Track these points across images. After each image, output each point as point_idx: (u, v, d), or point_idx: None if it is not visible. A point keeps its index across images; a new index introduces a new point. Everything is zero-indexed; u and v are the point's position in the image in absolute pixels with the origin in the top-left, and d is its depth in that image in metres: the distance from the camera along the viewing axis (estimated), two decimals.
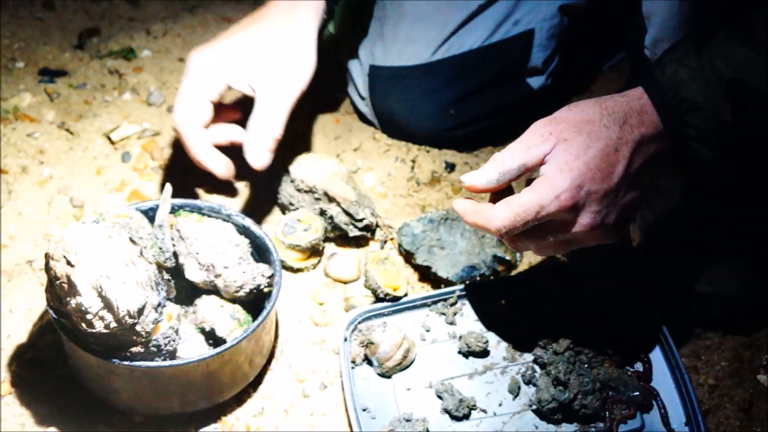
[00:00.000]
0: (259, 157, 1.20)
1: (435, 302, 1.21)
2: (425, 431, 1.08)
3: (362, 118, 1.47)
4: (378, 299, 1.21)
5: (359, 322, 1.17)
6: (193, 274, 1.10)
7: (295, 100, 1.23)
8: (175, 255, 1.11)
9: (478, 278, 1.22)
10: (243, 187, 1.36)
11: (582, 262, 1.22)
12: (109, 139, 1.40)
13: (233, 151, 1.23)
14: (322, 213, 1.28)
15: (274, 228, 1.26)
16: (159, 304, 0.99)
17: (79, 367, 1.07)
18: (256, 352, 1.10)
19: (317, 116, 1.47)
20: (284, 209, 1.32)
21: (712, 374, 1.19)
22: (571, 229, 0.99)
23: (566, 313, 1.17)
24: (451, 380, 1.14)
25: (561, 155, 0.97)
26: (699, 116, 0.96)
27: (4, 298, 1.20)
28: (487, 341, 1.16)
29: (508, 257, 1.24)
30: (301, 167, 1.30)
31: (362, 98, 1.45)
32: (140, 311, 0.96)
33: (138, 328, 0.97)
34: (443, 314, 1.20)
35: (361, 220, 1.28)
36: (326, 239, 1.28)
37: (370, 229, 1.30)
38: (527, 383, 1.14)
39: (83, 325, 0.96)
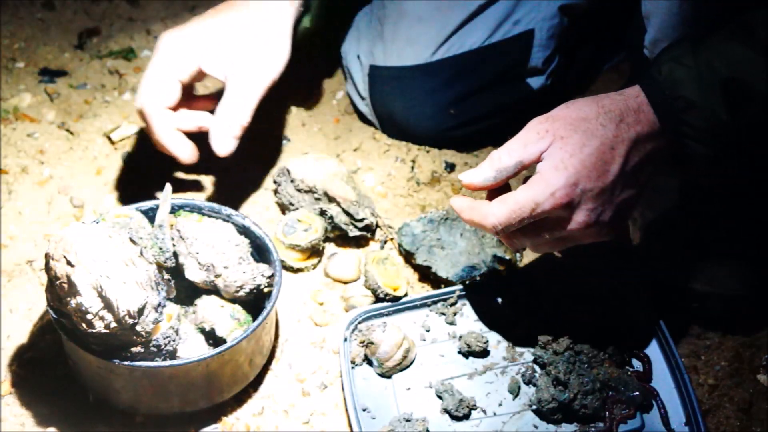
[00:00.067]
0: (225, 144, 1.17)
1: (435, 302, 1.21)
2: (425, 431, 1.08)
3: (362, 118, 1.47)
4: (378, 299, 1.21)
5: (359, 322, 1.17)
6: (193, 274, 1.10)
7: (267, 88, 1.21)
8: (175, 255, 1.11)
9: (478, 278, 1.22)
10: (243, 187, 1.36)
11: (582, 262, 1.22)
12: (110, 139, 1.40)
13: (199, 138, 1.21)
14: (322, 213, 1.28)
15: (274, 228, 1.26)
16: (159, 304, 0.99)
17: (79, 367, 1.07)
18: (256, 352, 1.10)
19: (317, 116, 1.48)
20: (284, 209, 1.32)
21: (712, 374, 1.19)
22: (567, 227, 0.99)
23: (566, 313, 1.17)
24: (451, 380, 1.14)
25: (557, 153, 0.97)
26: (695, 115, 0.97)
27: (4, 298, 1.20)
28: (487, 341, 1.16)
29: (508, 257, 1.24)
30: (301, 167, 1.30)
31: (362, 98, 1.45)
32: (140, 311, 0.96)
33: (138, 328, 0.97)
34: (443, 314, 1.20)
35: (361, 220, 1.28)
36: (326, 239, 1.28)
37: (370, 229, 1.30)
38: (527, 383, 1.14)
39: (83, 325, 0.96)
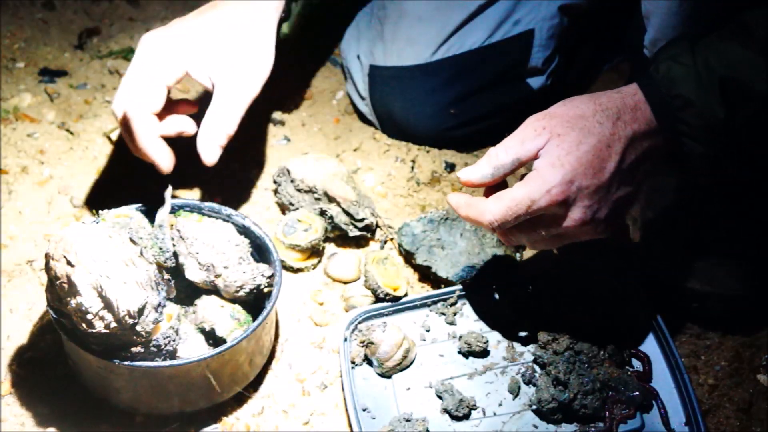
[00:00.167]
0: (212, 153, 1.15)
1: (435, 302, 1.21)
2: (425, 431, 1.08)
3: (362, 118, 1.47)
4: (378, 299, 1.21)
5: (359, 322, 1.17)
6: (193, 274, 1.10)
7: (254, 98, 1.19)
8: (175, 255, 1.11)
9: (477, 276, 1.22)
10: (243, 187, 1.36)
11: (582, 262, 1.22)
12: (110, 139, 1.40)
13: (175, 143, 1.17)
14: (322, 213, 1.28)
15: (274, 228, 1.26)
16: (159, 304, 0.99)
17: (79, 367, 1.07)
18: (256, 352, 1.10)
19: (317, 116, 1.48)
20: (284, 209, 1.32)
21: (711, 374, 1.19)
22: (563, 224, 1.00)
23: (566, 313, 1.17)
24: (451, 380, 1.14)
25: (553, 150, 0.97)
26: (692, 113, 0.97)
27: (4, 298, 1.20)
28: (487, 341, 1.16)
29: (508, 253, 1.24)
30: (301, 167, 1.30)
31: (362, 98, 1.45)
32: (140, 311, 0.96)
33: (138, 328, 0.97)
34: (443, 314, 1.20)
35: (361, 220, 1.28)
36: (326, 239, 1.28)
37: (370, 229, 1.30)
38: (527, 383, 1.14)
39: (83, 325, 0.96)
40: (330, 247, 1.30)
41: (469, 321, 1.20)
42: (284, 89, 1.43)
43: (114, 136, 1.39)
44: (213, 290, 1.11)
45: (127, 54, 1.52)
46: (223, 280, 1.09)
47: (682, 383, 1.12)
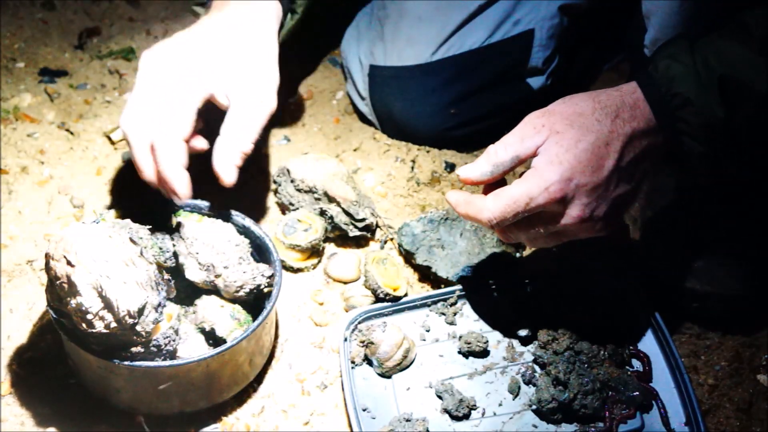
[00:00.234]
0: (230, 173, 1.10)
1: (435, 302, 1.21)
2: (425, 431, 1.08)
3: (362, 118, 1.47)
4: (378, 299, 1.21)
5: (359, 322, 1.17)
6: (193, 274, 1.10)
7: (271, 113, 1.14)
8: (175, 255, 1.11)
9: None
10: (243, 187, 1.36)
11: (582, 262, 1.22)
12: (110, 139, 1.40)
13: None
14: (322, 213, 1.28)
15: (274, 228, 1.26)
16: (159, 304, 0.99)
17: (79, 367, 1.07)
18: (256, 352, 1.11)
19: (317, 116, 1.48)
20: (284, 209, 1.32)
21: (711, 374, 1.19)
22: (561, 221, 1.00)
23: (566, 313, 1.17)
24: (451, 380, 1.14)
25: (552, 147, 0.98)
26: (690, 111, 0.97)
27: (4, 298, 1.20)
28: (487, 341, 1.16)
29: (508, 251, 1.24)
30: (301, 167, 1.30)
31: (362, 98, 1.45)
32: (140, 311, 0.96)
33: (138, 328, 0.97)
34: (443, 314, 1.20)
35: (361, 220, 1.28)
36: (326, 239, 1.28)
37: (370, 229, 1.30)
38: (527, 383, 1.14)
39: (83, 325, 0.96)
40: (330, 247, 1.30)
41: (469, 321, 1.20)
42: (284, 89, 1.43)
43: (114, 136, 1.39)
44: (213, 290, 1.11)
45: (127, 54, 1.52)
46: (223, 280, 1.09)
47: (682, 383, 1.12)
